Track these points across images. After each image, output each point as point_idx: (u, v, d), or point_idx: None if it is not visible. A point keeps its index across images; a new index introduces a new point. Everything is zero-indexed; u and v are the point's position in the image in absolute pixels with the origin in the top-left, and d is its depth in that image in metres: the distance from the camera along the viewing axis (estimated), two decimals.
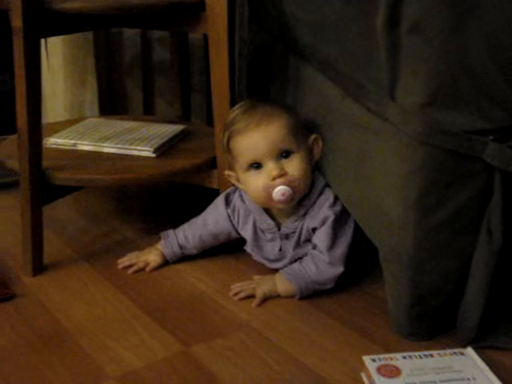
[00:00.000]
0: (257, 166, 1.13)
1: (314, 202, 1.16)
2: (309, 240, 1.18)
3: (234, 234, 1.26)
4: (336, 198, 1.15)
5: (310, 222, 1.16)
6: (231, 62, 1.25)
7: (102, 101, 1.84)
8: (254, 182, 1.14)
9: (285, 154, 1.12)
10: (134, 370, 0.96)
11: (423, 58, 0.87)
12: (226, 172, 1.22)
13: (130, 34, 1.86)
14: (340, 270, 1.14)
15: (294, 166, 1.12)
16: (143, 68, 1.88)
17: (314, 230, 1.16)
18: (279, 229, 1.19)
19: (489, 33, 0.85)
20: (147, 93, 1.91)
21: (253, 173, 1.14)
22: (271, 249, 1.22)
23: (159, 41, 1.84)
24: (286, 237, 1.19)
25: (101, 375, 0.95)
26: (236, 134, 1.13)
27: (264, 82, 1.38)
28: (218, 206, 1.26)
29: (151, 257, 1.27)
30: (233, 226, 1.24)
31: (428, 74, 0.88)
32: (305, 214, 1.17)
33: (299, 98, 1.24)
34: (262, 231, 1.21)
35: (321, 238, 1.14)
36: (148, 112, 1.92)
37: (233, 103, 1.26)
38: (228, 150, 1.17)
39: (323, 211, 1.15)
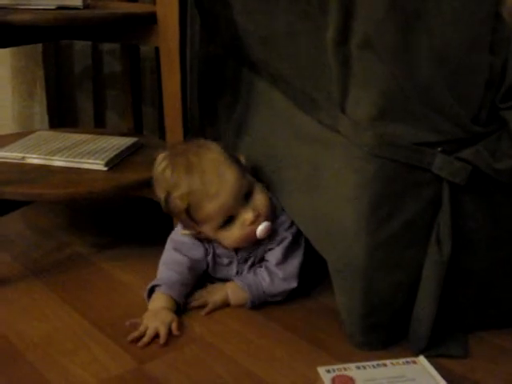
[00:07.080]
0: (229, 219, 1.12)
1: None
2: (263, 258, 1.19)
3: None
4: (291, 221, 1.17)
5: (267, 245, 1.18)
6: (183, 75, 1.24)
7: (52, 113, 1.81)
8: (231, 236, 1.13)
9: (247, 194, 1.13)
10: None
11: (373, 72, 0.89)
12: (182, 232, 1.19)
13: (81, 46, 1.83)
14: (293, 285, 1.16)
15: (259, 200, 1.14)
16: (94, 80, 1.86)
17: (270, 249, 1.18)
18: (237, 253, 1.19)
19: (436, 47, 0.88)
20: (98, 105, 1.89)
21: (227, 228, 1.13)
22: (227, 272, 1.22)
23: (110, 52, 1.82)
24: (244, 260, 1.20)
25: None
26: (198, 202, 1.09)
27: (215, 95, 1.38)
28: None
29: (167, 316, 1.09)
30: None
31: (378, 88, 0.89)
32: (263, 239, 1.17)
33: (251, 111, 1.25)
34: (219, 256, 1.21)
35: (274, 254, 1.16)
36: (99, 124, 1.90)
37: (185, 117, 1.25)
38: (189, 217, 1.12)
39: (280, 233, 1.17)
